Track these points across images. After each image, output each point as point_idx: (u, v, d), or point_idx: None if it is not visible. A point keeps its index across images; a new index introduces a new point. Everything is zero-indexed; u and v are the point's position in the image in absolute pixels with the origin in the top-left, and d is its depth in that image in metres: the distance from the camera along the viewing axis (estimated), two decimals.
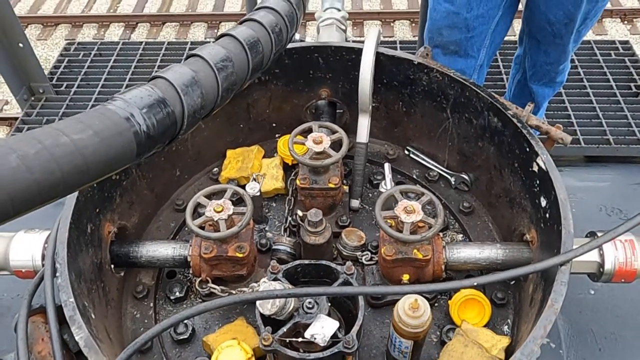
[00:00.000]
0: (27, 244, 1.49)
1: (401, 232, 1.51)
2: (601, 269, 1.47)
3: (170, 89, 0.94)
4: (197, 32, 6.81)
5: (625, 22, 6.57)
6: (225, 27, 6.84)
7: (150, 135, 0.88)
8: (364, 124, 1.87)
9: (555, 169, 1.46)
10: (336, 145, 1.74)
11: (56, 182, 0.75)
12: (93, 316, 1.37)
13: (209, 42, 1.12)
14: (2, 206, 0.70)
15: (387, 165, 1.94)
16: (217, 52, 1.05)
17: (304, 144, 1.73)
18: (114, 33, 6.81)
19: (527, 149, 1.56)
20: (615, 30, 6.47)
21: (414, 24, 6.57)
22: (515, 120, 1.59)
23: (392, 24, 6.64)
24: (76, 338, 1.19)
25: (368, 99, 1.80)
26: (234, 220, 1.55)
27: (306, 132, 1.77)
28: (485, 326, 1.58)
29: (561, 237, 1.35)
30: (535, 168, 1.53)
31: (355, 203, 1.91)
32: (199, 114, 0.99)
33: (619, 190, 2.21)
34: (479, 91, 1.69)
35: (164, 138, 0.93)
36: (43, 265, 1.40)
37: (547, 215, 1.48)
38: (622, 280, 1.49)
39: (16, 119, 4.48)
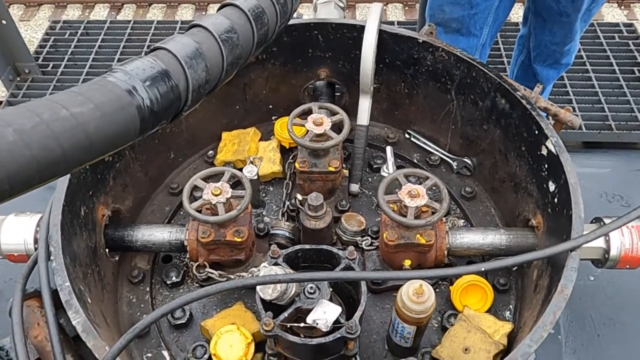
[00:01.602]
0: (19, 228, 1.45)
1: (405, 216, 1.48)
2: (606, 255, 1.45)
3: (174, 61, 0.88)
4: (185, 14, 6.64)
5: (622, 7, 6.51)
6: (214, 9, 6.67)
7: (154, 111, 0.83)
8: (364, 105, 1.82)
9: (566, 152, 1.42)
10: (336, 127, 1.69)
11: (56, 160, 0.69)
12: (89, 301, 1.33)
13: None
14: None
15: (389, 149, 1.90)
16: (221, 23, 0.98)
17: (303, 125, 1.68)
18: (99, 14, 6.61)
19: (537, 132, 1.52)
20: (612, 15, 6.38)
21: (407, 7, 6.50)
22: (524, 102, 1.54)
23: (385, 7, 6.55)
24: (73, 323, 1.15)
25: (370, 79, 1.75)
26: (232, 203, 1.51)
27: (305, 114, 1.72)
28: (487, 312, 1.57)
29: (570, 223, 1.32)
30: (545, 151, 1.49)
31: (354, 187, 1.87)
32: (203, 89, 0.93)
33: (620, 176, 2.20)
34: (486, 71, 1.64)
35: (167, 114, 0.88)
36: (36, 249, 1.35)
37: (556, 200, 1.45)
38: (627, 266, 1.47)
39: (0, 102, 4.35)
